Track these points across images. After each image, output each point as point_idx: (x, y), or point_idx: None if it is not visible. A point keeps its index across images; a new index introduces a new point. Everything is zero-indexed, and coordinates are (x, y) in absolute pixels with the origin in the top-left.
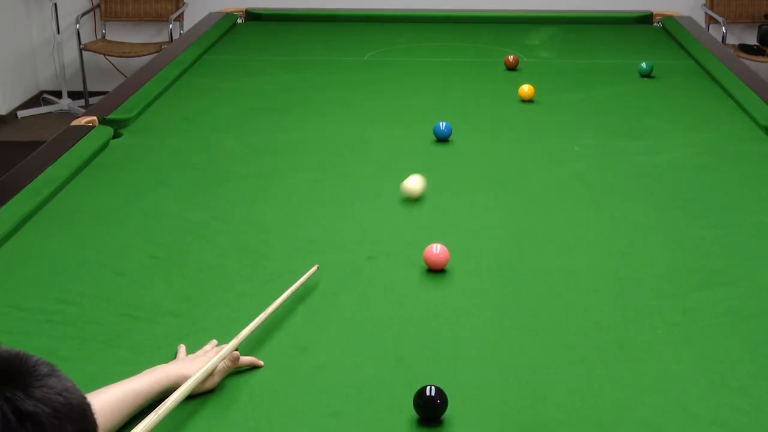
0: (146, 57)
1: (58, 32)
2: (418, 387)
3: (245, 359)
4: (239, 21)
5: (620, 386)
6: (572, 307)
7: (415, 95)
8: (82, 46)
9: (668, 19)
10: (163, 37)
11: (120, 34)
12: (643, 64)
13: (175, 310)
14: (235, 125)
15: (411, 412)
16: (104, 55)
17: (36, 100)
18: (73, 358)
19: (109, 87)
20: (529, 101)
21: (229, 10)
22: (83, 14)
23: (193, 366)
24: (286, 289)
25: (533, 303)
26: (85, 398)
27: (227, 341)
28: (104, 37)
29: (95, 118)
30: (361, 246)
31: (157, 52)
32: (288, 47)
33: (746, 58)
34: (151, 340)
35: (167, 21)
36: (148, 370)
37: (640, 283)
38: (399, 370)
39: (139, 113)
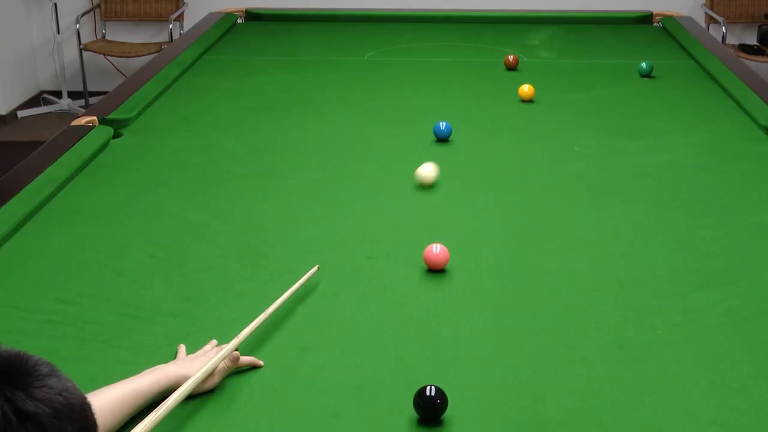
0: (146, 57)
1: (58, 32)
2: (418, 387)
3: (245, 359)
4: (239, 21)
5: (620, 386)
6: (572, 307)
7: (415, 95)
8: (82, 46)
9: (668, 19)
10: (163, 37)
11: (120, 34)
12: (643, 64)
13: (175, 310)
14: (235, 125)
15: (411, 412)
16: (104, 55)
17: (36, 100)
18: (73, 358)
19: (109, 87)
20: (529, 101)
21: (229, 10)
22: (83, 14)
23: (193, 366)
24: (286, 289)
25: (533, 303)
26: (85, 398)
27: (227, 341)
28: (104, 37)
29: (95, 118)
30: (361, 246)
31: (157, 52)
32: (288, 47)
33: (746, 58)
34: (151, 340)
35: (167, 21)
36: (148, 370)
37: (640, 283)
38: (399, 370)
39: (139, 113)
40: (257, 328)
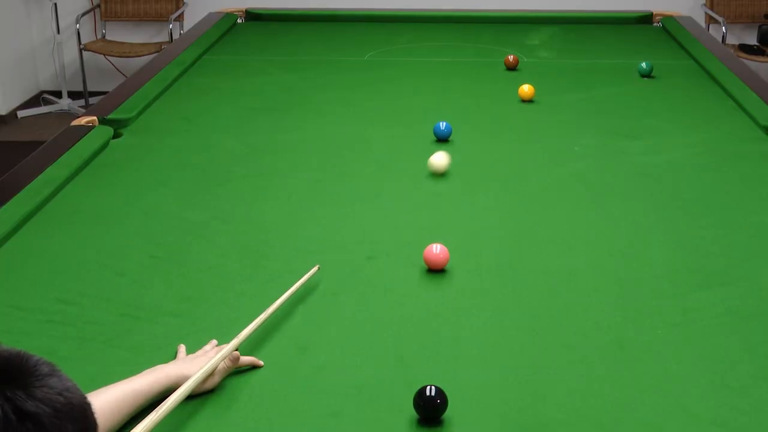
0: (146, 57)
1: (58, 32)
2: (418, 387)
3: (245, 359)
4: (239, 21)
5: (620, 386)
6: (572, 307)
7: (415, 95)
8: (82, 46)
9: (668, 19)
10: (163, 37)
11: (120, 34)
12: (643, 64)
13: (175, 310)
14: (235, 125)
15: (411, 412)
16: (104, 55)
17: (36, 100)
18: (73, 358)
19: (109, 87)
20: (529, 101)
21: (229, 10)
22: (83, 14)
23: (193, 366)
24: (287, 289)
25: (533, 303)
26: (85, 398)
27: (227, 341)
28: (104, 37)
29: (95, 118)
30: (361, 246)
31: (157, 52)
32: (288, 47)
33: (746, 58)
34: (151, 340)
35: (167, 21)
36: (148, 370)
37: (640, 283)
38: (399, 370)
39: (139, 113)
40: (257, 328)
